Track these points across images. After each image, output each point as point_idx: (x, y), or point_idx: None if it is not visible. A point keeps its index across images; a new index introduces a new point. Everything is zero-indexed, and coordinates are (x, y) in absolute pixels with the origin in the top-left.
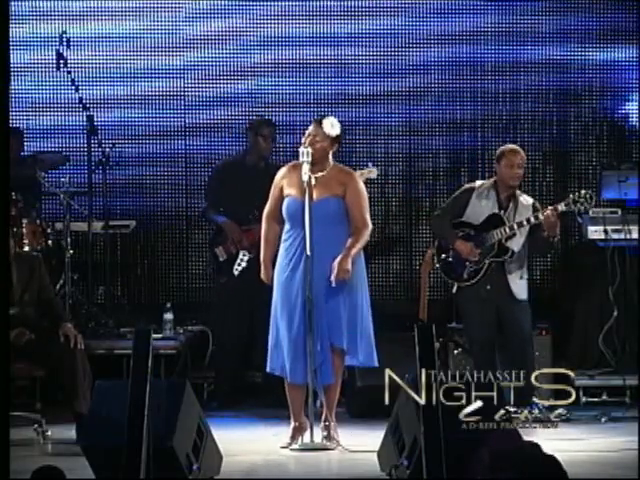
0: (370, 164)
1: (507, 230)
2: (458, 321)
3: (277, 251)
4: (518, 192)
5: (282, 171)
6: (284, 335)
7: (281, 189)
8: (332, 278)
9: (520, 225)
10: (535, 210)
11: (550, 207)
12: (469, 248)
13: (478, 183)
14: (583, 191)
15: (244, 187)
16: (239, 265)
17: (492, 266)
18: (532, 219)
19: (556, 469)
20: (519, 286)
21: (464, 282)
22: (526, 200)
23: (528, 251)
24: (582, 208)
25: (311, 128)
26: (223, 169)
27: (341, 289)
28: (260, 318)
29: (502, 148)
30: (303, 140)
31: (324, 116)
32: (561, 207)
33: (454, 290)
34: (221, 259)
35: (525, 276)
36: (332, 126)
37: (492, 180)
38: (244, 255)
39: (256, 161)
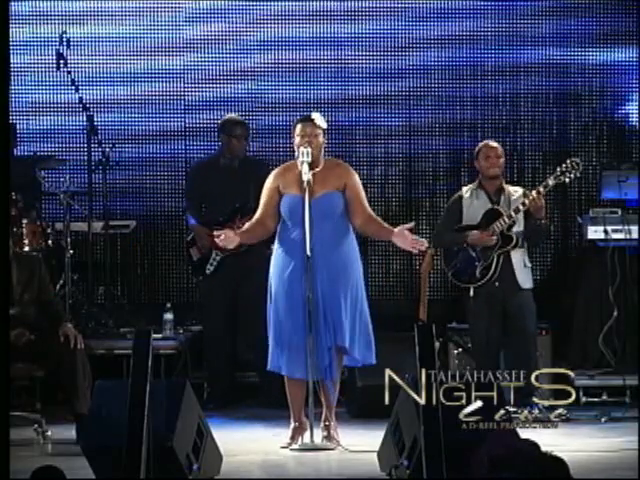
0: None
1: (506, 220)
2: (458, 321)
3: (252, 238)
4: (505, 185)
5: (273, 175)
6: (286, 333)
7: (275, 192)
8: (411, 248)
9: (517, 211)
10: (525, 197)
11: (534, 190)
12: (481, 235)
13: (464, 189)
14: (568, 160)
15: (220, 186)
16: (211, 265)
17: (500, 259)
18: (526, 201)
19: (557, 470)
20: (524, 274)
21: (478, 281)
22: (515, 190)
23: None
24: (572, 176)
25: (302, 128)
26: (197, 170)
27: (344, 287)
28: (243, 316)
29: (478, 145)
30: (298, 142)
31: (308, 114)
32: (551, 181)
33: (471, 293)
34: (195, 259)
35: (529, 264)
36: (321, 119)
37: (477, 180)
38: (217, 255)
39: (230, 160)
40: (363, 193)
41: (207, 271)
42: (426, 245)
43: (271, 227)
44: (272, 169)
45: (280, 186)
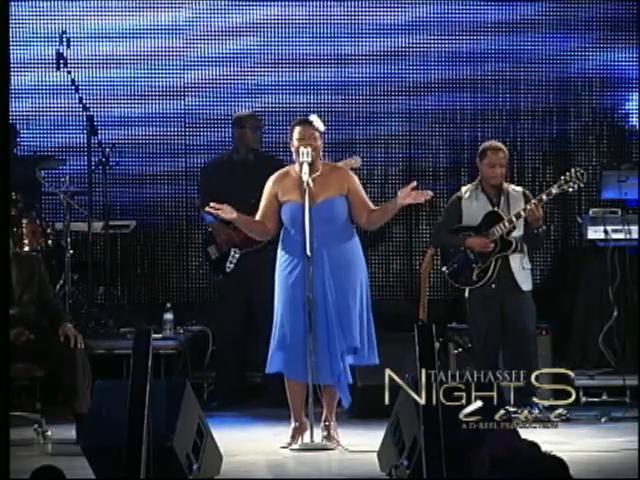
0: (355, 155)
1: (507, 224)
2: (458, 321)
3: (248, 227)
4: (506, 184)
5: (272, 180)
6: (291, 336)
7: (274, 198)
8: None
9: (518, 216)
10: (526, 198)
11: (534, 200)
12: (479, 241)
13: (464, 189)
14: (573, 170)
15: (235, 183)
16: (230, 263)
17: (498, 263)
18: (544, 196)
19: (557, 470)
20: (523, 276)
21: (475, 284)
22: (515, 190)
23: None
24: (575, 187)
25: (301, 130)
26: (212, 167)
27: (350, 288)
28: (257, 316)
29: (484, 145)
30: (297, 145)
31: (306, 116)
32: (555, 190)
33: (466, 294)
34: (213, 257)
35: (528, 266)
36: (319, 122)
37: (477, 180)
38: (235, 253)
39: (245, 155)
40: (364, 192)
41: (227, 269)
42: (431, 194)
43: (270, 230)
44: (286, 165)
45: (279, 193)
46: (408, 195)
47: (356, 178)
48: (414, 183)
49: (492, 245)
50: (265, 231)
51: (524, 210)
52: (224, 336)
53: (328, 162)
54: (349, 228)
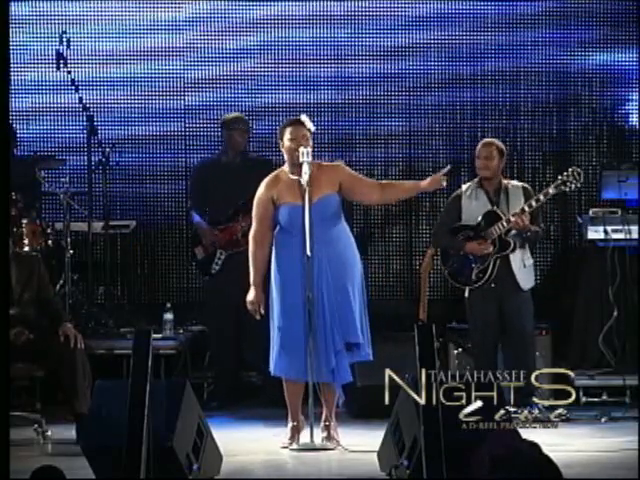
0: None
1: (505, 224)
2: (458, 321)
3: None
4: (506, 181)
5: (265, 186)
6: (293, 336)
7: (269, 203)
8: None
9: (508, 222)
10: (526, 193)
11: (517, 211)
12: (478, 245)
13: (464, 187)
14: (570, 169)
15: (222, 185)
16: (216, 264)
17: (497, 262)
18: (526, 207)
19: (553, 469)
20: (523, 275)
21: (474, 284)
22: (515, 187)
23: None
24: (572, 186)
25: (294, 131)
26: (200, 169)
27: (348, 285)
28: (248, 316)
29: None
30: (291, 145)
31: (296, 116)
32: (552, 190)
33: (466, 294)
34: (199, 258)
35: (529, 262)
36: (309, 122)
37: (477, 178)
38: (221, 254)
39: (232, 158)
40: (357, 174)
41: (212, 270)
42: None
43: (272, 239)
44: (275, 168)
45: (274, 197)
46: (436, 182)
47: (343, 166)
48: (449, 167)
49: (491, 247)
50: (270, 244)
51: (507, 222)
52: (216, 337)
53: (314, 161)
54: (344, 226)
